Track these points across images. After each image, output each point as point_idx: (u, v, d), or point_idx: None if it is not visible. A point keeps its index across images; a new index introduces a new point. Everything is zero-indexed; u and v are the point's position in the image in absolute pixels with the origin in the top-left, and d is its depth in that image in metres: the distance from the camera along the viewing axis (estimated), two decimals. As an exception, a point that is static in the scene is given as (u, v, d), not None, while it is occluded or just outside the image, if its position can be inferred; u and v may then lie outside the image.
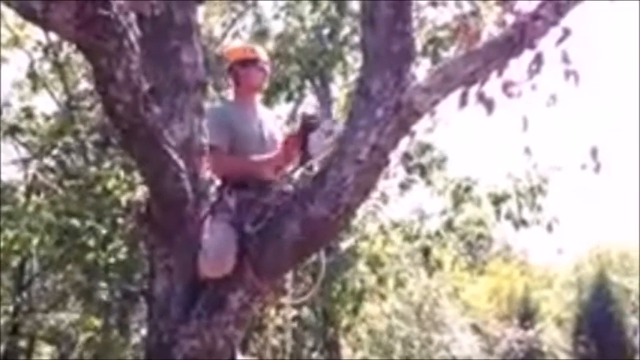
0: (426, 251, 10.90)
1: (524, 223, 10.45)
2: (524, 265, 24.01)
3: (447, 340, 17.47)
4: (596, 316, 20.11)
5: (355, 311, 10.59)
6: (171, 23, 3.76)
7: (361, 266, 10.68)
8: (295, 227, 3.26)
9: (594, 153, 5.05)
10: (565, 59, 3.87)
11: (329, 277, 9.32)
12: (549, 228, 10.32)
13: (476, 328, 18.91)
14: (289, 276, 3.79)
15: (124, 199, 8.22)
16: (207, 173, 3.79)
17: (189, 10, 3.86)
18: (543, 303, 21.62)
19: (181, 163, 3.39)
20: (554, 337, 20.43)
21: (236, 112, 3.71)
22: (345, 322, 10.68)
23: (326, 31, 10.55)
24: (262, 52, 3.88)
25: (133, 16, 3.08)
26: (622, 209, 34.27)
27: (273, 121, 3.90)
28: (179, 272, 3.50)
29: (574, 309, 21.57)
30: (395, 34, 3.20)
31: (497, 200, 10.39)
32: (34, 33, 10.76)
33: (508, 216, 10.44)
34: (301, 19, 10.28)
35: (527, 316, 20.49)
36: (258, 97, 3.93)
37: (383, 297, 11.18)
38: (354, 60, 10.93)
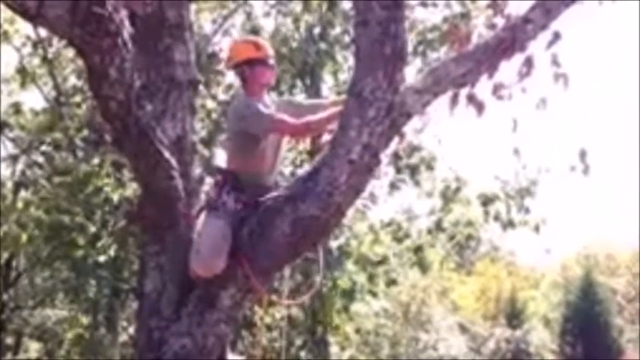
0: (417, 249, 10.96)
1: (512, 224, 10.54)
2: (511, 266, 24.14)
3: (434, 340, 17.56)
4: (583, 317, 20.23)
5: (346, 309, 10.62)
6: (163, 21, 3.76)
7: (350, 265, 10.72)
8: (286, 227, 3.28)
9: (583, 155, 5.09)
10: (555, 62, 3.91)
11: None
12: (537, 229, 10.42)
13: (463, 328, 19.01)
14: (283, 274, 3.80)
15: (115, 197, 8.20)
16: (198, 171, 3.80)
17: (182, 8, 3.85)
18: (530, 303, 21.73)
19: (173, 161, 3.40)
20: (541, 337, 20.55)
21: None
22: (336, 320, 10.71)
23: (317, 31, 10.57)
24: (267, 46, 3.74)
25: (125, 13, 3.07)
26: (609, 211, 34.58)
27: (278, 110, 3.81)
28: (170, 270, 3.51)
29: (561, 309, 21.70)
30: (388, 36, 3.22)
31: (486, 202, 10.46)
32: (23, 28, 10.69)
33: (496, 217, 10.53)
34: (296, 20, 10.27)
35: (514, 316, 20.60)
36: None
37: (374, 295, 11.22)
38: (344, 60, 10.95)
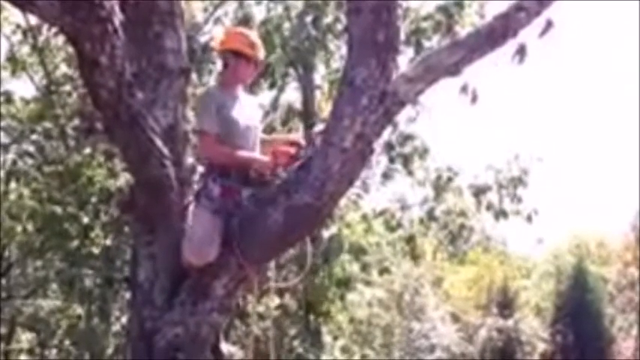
0: (410, 239, 10.96)
1: (504, 213, 10.56)
2: (503, 255, 24.21)
3: (426, 329, 17.65)
4: (574, 306, 20.35)
5: (342, 298, 10.63)
6: (154, 8, 3.72)
7: (344, 254, 10.72)
8: (279, 215, 3.28)
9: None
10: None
11: (313, 265, 9.35)
12: (529, 219, 10.45)
13: (455, 317, 19.10)
14: (273, 264, 3.80)
15: (111, 186, 8.15)
16: (190, 160, 3.78)
17: (173, -5, 3.82)
18: (522, 292, 21.83)
19: (165, 150, 3.38)
20: (532, 326, 20.66)
21: (224, 98, 3.59)
22: (329, 310, 10.72)
23: (309, 18, 10.50)
24: (261, 49, 3.69)
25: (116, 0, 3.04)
26: (600, 199, 34.74)
27: (254, 107, 3.82)
28: (163, 259, 3.50)
29: (552, 298, 21.81)
30: (380, 24, 3.20)
31: (478, 192, 10.48)
32: (13, 15, 10.59)
33: (489, 207, 10.55)
34: (287, 8, 10.21)
35: (506, 305, 20.70)
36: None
37: (368, 284, 11.23)
38: (337, 48, 10.90)
